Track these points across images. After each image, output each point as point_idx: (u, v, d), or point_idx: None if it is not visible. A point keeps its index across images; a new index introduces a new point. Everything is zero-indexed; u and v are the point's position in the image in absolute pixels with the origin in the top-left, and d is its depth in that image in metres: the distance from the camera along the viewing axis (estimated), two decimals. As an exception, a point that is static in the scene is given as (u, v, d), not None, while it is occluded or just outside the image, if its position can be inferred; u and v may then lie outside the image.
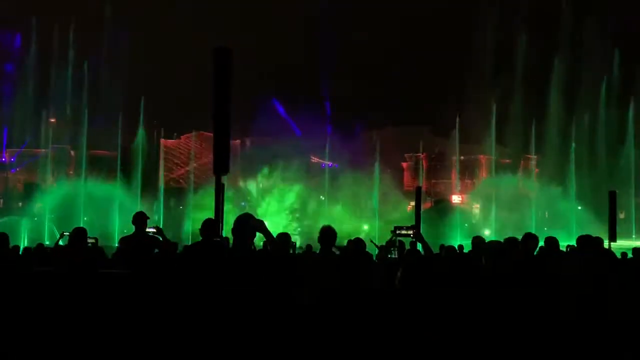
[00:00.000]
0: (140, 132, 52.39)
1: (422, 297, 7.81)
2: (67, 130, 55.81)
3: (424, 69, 52.86)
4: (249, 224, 5.25)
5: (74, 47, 50.01)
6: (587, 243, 6.67)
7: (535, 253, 7.30)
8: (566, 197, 48.01)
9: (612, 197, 20.64)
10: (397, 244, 10.53)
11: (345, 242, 13.34)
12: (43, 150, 55.73)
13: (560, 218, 46.34)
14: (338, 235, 6.73)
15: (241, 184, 53.42)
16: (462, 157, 60.86)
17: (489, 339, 6.37)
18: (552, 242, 8.55)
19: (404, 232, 8.05)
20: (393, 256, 10.57)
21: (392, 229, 8.27)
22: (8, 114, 51.47)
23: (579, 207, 47.20)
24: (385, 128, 59.44)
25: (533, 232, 7.40)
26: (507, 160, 56.22)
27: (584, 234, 7.31)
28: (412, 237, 8.13)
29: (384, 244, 13.39)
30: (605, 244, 13.68)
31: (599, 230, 19.54)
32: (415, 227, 8.15)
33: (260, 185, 56.35)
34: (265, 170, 51.70)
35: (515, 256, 6.64)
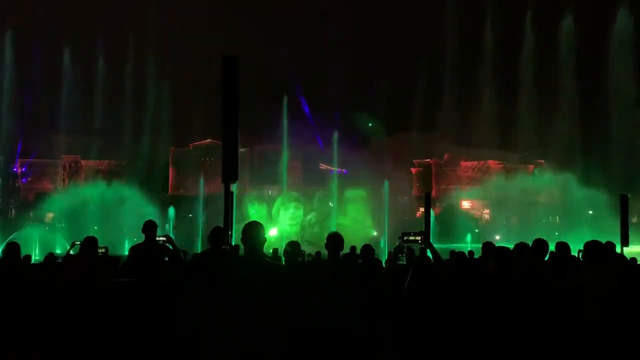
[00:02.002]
0: (150, 140, 52.71)
1: (430, 304, 7.77)
2: (78, 140, 56.33)
3: (432, 74, 52.79)
4: (260, 234, 5.26)
5: (83, 59, 50.55)
6: (596, 250, 6.55)
7: (545, 258, 7.23)
8: (577, 201, 47.62)
9: (624, 201, 20.45)
10: (405, 250, 10.41)
11: (350, 248, 13.30)
12: (54, 160, 56.26)
13: (571, 222, 45.99)
14: (346, 241, 6.71)
15: (251, 192, 53.68)
16: (471, 163, 60.67)
17: (498, 346, 6.32)
18: (563, 247, 8.48)
19: (411, 238, 7.90)
20: (401, 262, 10.46)
21: (400, 235, 8.13)
22: (22, 125, 52.02)
23: (590, 212, 46.82)
24: (395, 134, 59.40)
25: (543, 237, 7.33)
26: (517, 165, 55.98)
27: (594, 238, 7.19)
28: (421, 243, 8.02)
29: (392, 250, 13.29)
30: (617, 249, 13.53)
31: (610, 235, 19.34)
32: (424, 232, 8.02)
33: (269, 192, 56.55)
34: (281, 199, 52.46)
35: (525, 262, 6.58)
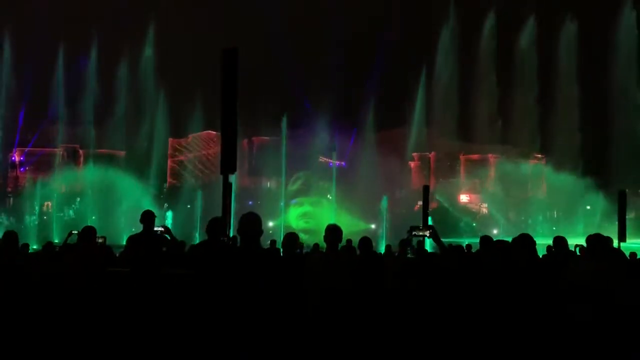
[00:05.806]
0: (148, 130, 52.60)
1: (432, 297, 7.79)
2: (77, 130, 56.19)
3: (431, 68, 52.78)
4: (256, 224, 5.25)
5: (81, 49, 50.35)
6: (598, 243, 6.55)
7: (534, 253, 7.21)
8: (575, 197, 47.66)
9: (622, 196, 20.44)
10: (414, 243, 10.33)
11: (346, 241, 13.26)
12: (52, 149, 56.14)
13: (569, 217, 46.10)
14: (345, 234, 6.71)
15: (250, 183, 53.80)
16: (469, 157, 60.68)
17: (495, 339, 6.34)
18: (560, 242, 8.50)
19: (420, 233, 7.80)
20: (410, 256, 10.38)
21: (408, 228, 8.02)
22: (20, 114, 51.94)
23: (588, 207, 46.88)
24: (394, 127, 59.30)
25: (541, 232, 7.33)
26: (516, 160, 55.95)
27: (591, 234, 7.19)
28: (429, 237, 7.94)
29: (391, 243, 13.29)
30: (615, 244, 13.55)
31: (608, 230, 19.38)
32: (432, 227, 7.92)
33: (268, 185, 56.61)
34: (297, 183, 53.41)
35: (519, 256, 6.57)
